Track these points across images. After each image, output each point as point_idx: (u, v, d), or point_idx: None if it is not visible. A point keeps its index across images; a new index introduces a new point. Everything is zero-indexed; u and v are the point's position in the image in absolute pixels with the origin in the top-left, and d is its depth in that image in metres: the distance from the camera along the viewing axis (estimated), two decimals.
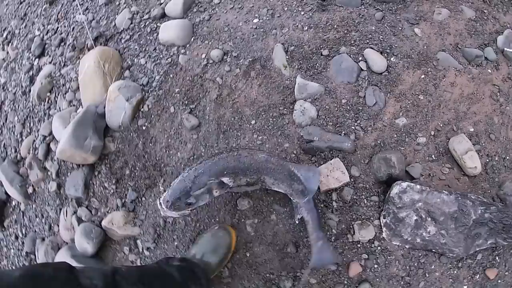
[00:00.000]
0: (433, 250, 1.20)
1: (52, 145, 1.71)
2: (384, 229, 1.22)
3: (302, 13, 1.53)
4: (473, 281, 1.21)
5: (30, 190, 1.73)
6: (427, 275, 1.21)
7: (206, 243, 1.29)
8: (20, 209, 1.77)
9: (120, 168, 1.55)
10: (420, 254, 1.22)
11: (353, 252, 1.24)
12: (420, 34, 1.38)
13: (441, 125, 1.28)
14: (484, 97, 1.29)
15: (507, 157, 1.26)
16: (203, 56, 1.57)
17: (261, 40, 1.52)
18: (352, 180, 1.26)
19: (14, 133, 1.93)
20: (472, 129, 1.27)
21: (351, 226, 1.24)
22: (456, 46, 1.36)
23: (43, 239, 1.65)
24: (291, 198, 1.21)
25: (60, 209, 1.62)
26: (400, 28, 1.40)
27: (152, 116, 1.56)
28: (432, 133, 1.28)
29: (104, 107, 1.62)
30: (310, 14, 1.51)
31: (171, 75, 1.60)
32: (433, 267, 1.21)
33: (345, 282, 1.23)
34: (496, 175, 1.24)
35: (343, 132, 1.31)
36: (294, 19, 1.52)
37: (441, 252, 1.20)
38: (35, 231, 1.70)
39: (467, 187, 1.24)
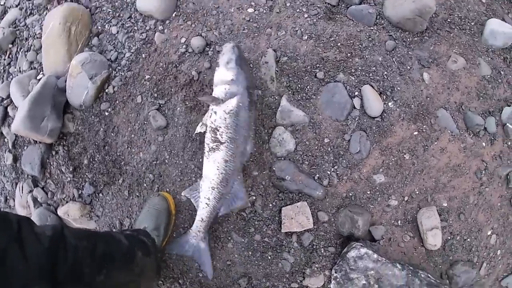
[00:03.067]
0: None
1: (9, 110, 1.46)
2: (333, 282, 1.17)
3: (306, 15, 1.23)
4: None
5: None
6: None
7: (146, 215, 1.24)
8: None
9: (78, 154, 1.35)
10: None
11: None
12: (428, 82, 1.16)
13: (417, 192, 1.17)
14: (468, 172, 1.16)
15: (468, 239, 1.19)
16: (183, 40, 1.28)
17: (252, 38, 1.23)
18: (315, 226, 1.17)
19: None
20: (446, 204, 1.16)
21: (303, 271, 1.20)
22: (460, 106, 1.17)
23: None
24: None
25: (16, 183, 1.45)
26: (408, 68, 1.17)
27: (117, 102, 1.32)
28: (406, 198, 1.17)
29: (66, 81, 1.34)
30: (315, 20, 1.21)
31: (143, 55, 1.31)
32: None
33: None
34: (452, 253, 1.19)
35: (317, 176, 1.16)
36: (295, 21, 1.22)
37: None
38: None
39: (421, 258, 1.19)
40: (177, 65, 1.27)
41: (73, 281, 0.80)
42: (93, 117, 1.34)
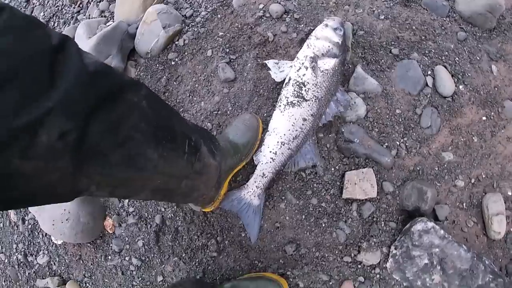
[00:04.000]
0: None
1: None
2: (390, 259, 1.08)
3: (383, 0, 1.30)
4: None
5: None
6: None
7: (233, 128, 1.11)
8: None
9: None
10: None
11: (351, 271, 1.10)
12: (495, 74, 1.20)
13: (484, 176, 1.14)
14: None
15: None
16: (261, 6, 1.31)
17: (330, 12, 1.27)
18: (378, 196, 1.11)
19: None
20: (510, 193, 1.14)
21: (359, 244, 1.11)
22: None
23: None
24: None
25: None
26: (478, 58, 1.21)
27: (186, 53, 1.30)
28: (473, 180, 1.13)
29: (137, 28, 1.34)
30: (391, 4, 1.27)
31: (219, 15, 1.33)
32: None
33: None
34: None
35: (386, 144, 1.13)
36: (372, 3, 1.28)
37: None
38: None
39: (482, 247, 1.12)
40: (253, 27, 1.29)
41: (110, 143, 0.56)
42: (157, 65, 1.32)
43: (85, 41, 1.36)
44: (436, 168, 1.13)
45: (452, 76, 1.18)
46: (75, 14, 1.55)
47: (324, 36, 1.13)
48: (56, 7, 1.66)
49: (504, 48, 1.24)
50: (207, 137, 0.93)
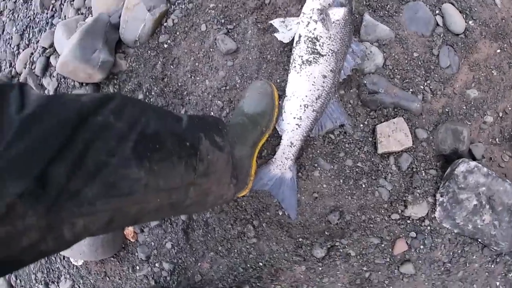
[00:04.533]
0: (479, 240, 1.04)
1: (52, 59, 1.32)
2: (438, 208, 1.03)
3: None
4: (506, 278, 1.09)
5: None
6: (467, 265, 1.06)
7: (247, 100, 1.01)
8: None
9: (132, 91, 1.18)
10: (465, 242, 1.06)
11: (401, 228, 1.04)
12: (500, 6, 1.18)
13: (510, 108, 1.12)
14: None
15: None
16: None
17: None
18: (413, 145, 1.05)
19: (10, 45, 1.56)
20: None
21: (404, 199, 1.04)
22: None
23: None
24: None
25: None
26: None
27: (177, 33, 1.19)
28: (500, 114, 1.11)
29: (119, 17, 1.21)
30: None
31: None
32: (474, 257, 1.06)
33: (388, 259, 1.04)
34: None
35: (411, 90, 1.07)
36: None
37: (487, 243, 1.04)
38: None
39: None
40: None
41: (79, 179, 0.48)
42: (149, 51, 1.19)
43: (65, 42, 1.22)
44: (464, 107, 1.09)
45: (460, 12, 1.15)
46: (50, 19, 1.42)
47: None
48: (28, 18, 1.53)
49: None
50: (208, 126, 0.79)
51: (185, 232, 1.09)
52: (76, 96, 0.54)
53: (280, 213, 1.05)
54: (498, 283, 1.09)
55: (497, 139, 1.10)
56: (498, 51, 1.14)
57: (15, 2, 1.66)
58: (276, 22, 1.08)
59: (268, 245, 1.05)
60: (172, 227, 1.10)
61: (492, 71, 1.13)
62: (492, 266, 1.08)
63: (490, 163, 1.08)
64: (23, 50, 1.50)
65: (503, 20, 1.18)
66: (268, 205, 1.06)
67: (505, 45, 1.15)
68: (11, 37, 1.59)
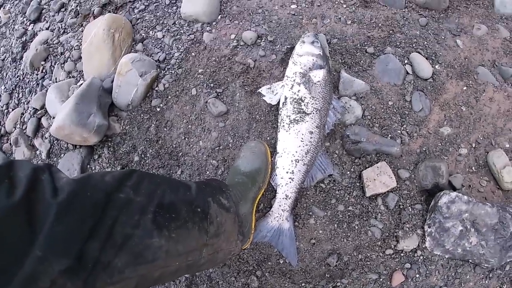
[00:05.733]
0: (470, 261, 1.15)
1: (43, 120, 1.38)
2: (427, 238, 1.14)
3: (344, 6, 1.39)
4: None
5: None
6: (462, 285, 1.16)
7: (242, 160, 1.11)
8: None
9: (126, 153, 1.27)
10: (457, 264, 1.17)
11: (396, 262, 1.14)
12: (462, 46, 1.33)
13: (481, 138, 1.25)
14: None
15: None
16: (232, 36, 1.35)
17: (300, 28, 1.35)
18: (397, 185, 1.17)
19: None
20: (508, 145, 1.25)
21: (395, 235, 1.15)
22: (494, 63, 1.34)
23: None
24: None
25: None
26: (443, 37, 1.34)
27: (169, 97, 1.30)
28: (473, 145, 1.24)
29: (112, 82, 1.32)
30: (353, 8, 1.38)
31: (193, 53, 1.35)
32: (468, 277, 1.17)
33: None
34: None
35: (390, 136, 1.20)
36: (336, 11, 1.37)
37: (477, 262, 1.16)
38: None
39: (501, 200, 1.22)
40: (230, 57, 1.32)
41: (109, 252, 0.56)
42: (142, 114, 1.30)
43: (59, 105, 1.31)
44: (439, 144, 1.22)
45: (427, 58, 1.29)
46: (40, 81, 1.49)
47: (305, 52, 1.19)
48: (17, 77, 1.59)
49: (462, 22, 1.39)
50: (214, 190, 0.90)
51: None
52: (101, 177, 0.63)
53: (281, 262, 1.15)
54: None
55: (473, 168, 1.22)
56: (465, 88, 1.28)
57: (3, 60, 1.74)
58: (263, 90, 1.21)
59: None
60: (175, 285, 1.18)
61: (461, 107, 1.26)
62: (486, 281, 1.18)
63: (470, 190, 1.20)
64: (12, 110, 1.56)
65: (466, 59, 1.32)
66: (269, 255, 1.15)
67: (470, 81, 1.29)
68: (0, 95, 1.64)
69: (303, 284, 1.14)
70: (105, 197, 0.59)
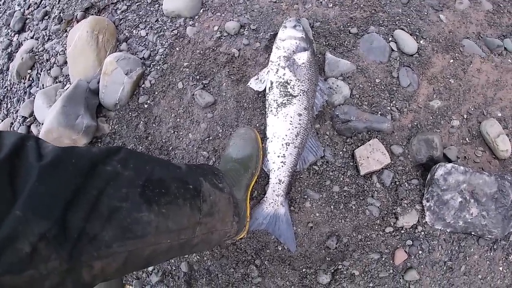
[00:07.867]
0: (473, 233, 1.16)
1: (33, 128, 1.42)
2: (427, 213, 1.15)
3: None
4: (507, 261, 1.19)
5: None
6: (467, 259, 1.16)
7: (232, 148, 1.11)
8: None
9: None
10: (460, 238, 1.17)
11: (397, 239, 1.15)
12: (445, 21, 1.37)
13: (472, 109, 1.27)
14: (507, 85, 1.31)
15: None
16: (216, 28, 1.38)
17: (282, 14, 1.38)
18: (392, 161, 1.18)
19: None
20: (500, 114, 1.27)
21: (394, 212, 1.16)
22: (479, 35, 1.37)
23: None
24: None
25: None
26: (425, 13, 1.37)
27: (156, 93, 1.33)
28: (465, 116, 1.26)
29: (98, 82, 1.35)
30: None
31: (177, 48, 1.38)
32: (472, 250, 1.17)
33: (391, 271, 1.13)
34: None
35: (379, 113, 1.22)
36: None
37: (480, 234, 1.16)
38: None
39: (498, 169, 1.24)
40: (215, 48, 1.35)
41: (95, 223, 0.55)
42: (130, 113, 1.32)
43: (47, 111, 1.34)
44: (431, 117, 1.24)
45: (411, 34, 1.32)
46: (27, 89, 1.53)
47: (288, 36, 1.22)
48: (4, 88, 1.63)
49: None
50: (206, 172, 0.90)
51: (188, 284, 1.17)
52: (88, 148, 0.63)
53: (280, 248, 1.15)
54: (501, 268, 1.19)
55: (467, 139, 1.24)
56: (451, 61, 1.31)
57: None
58: (252, 83, 1.23)
59: (273, 281, 1.14)
60: (174, 281, 1.18)
61: (450, 80, 1.29)
62: (491, 253, 1.18)
63: (465, 162, 1.21)
64: (2, 121, 1.59)
65: (450, 33, 1.35)
66: (267, 242, 1.16)
67: (456, 54, 1.32)
68: None
69: (303, 270, 1.14)
70: (90, 166, 0.59)
